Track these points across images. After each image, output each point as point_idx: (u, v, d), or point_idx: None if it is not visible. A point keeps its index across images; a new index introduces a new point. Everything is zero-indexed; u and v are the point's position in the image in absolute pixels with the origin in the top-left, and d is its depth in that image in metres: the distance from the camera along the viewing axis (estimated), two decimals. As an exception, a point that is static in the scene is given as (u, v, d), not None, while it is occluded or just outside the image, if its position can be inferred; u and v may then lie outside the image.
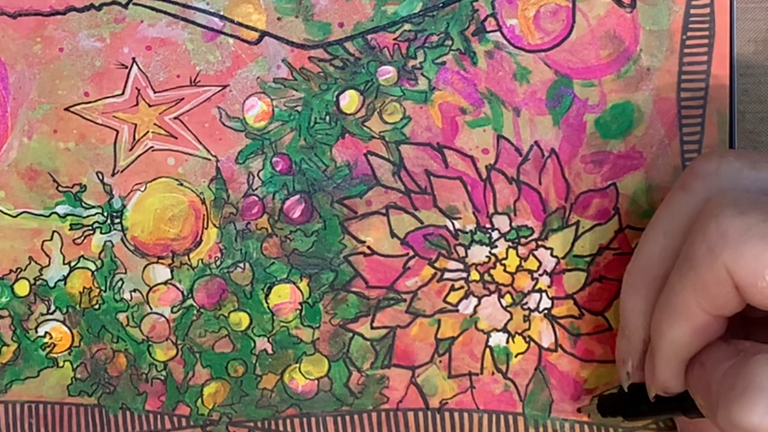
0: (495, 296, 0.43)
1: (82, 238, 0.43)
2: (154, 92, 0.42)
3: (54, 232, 0.43)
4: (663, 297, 0.35)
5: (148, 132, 0.43)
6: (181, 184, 0.43)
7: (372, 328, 0.43)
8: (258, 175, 0.42)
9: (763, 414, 0.31)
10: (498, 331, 0.43)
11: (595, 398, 0.43)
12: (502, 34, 0.42)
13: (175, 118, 0.42)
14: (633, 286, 0.38)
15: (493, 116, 0.42)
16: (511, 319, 0.43)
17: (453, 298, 0.43)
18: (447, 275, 0.43)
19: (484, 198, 0.42)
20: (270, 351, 0.43)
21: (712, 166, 0.36)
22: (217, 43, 0.42)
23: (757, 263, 0.32)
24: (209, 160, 0.43)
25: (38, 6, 0.42)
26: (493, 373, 0.43)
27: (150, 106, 0.42)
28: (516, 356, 0.43)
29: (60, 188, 0.43)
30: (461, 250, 0.42)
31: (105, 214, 0.43)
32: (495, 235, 0.42)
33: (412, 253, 0.43)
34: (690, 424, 0.39)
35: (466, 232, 0.42)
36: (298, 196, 0.43)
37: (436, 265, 0.43)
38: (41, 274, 0.43)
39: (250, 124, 0.42)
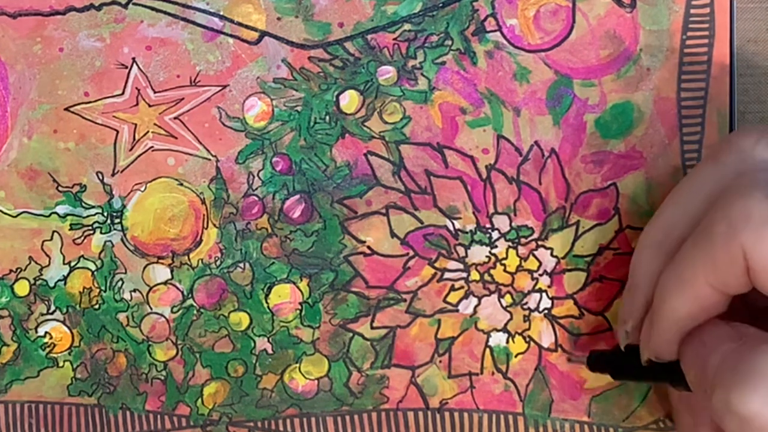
0: (495, 296, 0.43)
1: (82, 238, 0.43)
2: (154, 92, 0.42)
3: (54, 232, 0.43)
4: (673, 263, 0.35)
5: (148, 132, 0.43)
6: (181, 184, 0.43)
7: (372, 328, 0.43)
8: (258, 175, 0.42)
9: (762, 404, 0.31)
10: (498, 331, 0.43)
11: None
12: (502, 34, 0.42)
13: (175, 118, 0.42)
14: (647, 246, 0.37)
15: (493, 116, 0.42)
16: (511, 319, 0.43)
17: (453, 298, 0.43)
18: (447, 275, 0.43)
19: (484, 198, 0.42)
20: (270, 351, 0.43)
21: (750, 143, 0.35)
22: (217, 43, 0.42)
23: None
24: (209, 160, 0.43)
25: (38, 6, 0.42)
26: (493, 373, 0.43)
27: (150, 106, 0.42)
28: (516, 356, 0.43)
29: (60, 188, 0.43)
30: (461, 250, 0.42)
31: (105, 214, 0.43)
32: (495, 235, 0.42)
33: (412, 253, 0.43)
34: (686, 397, 0.39)
35: (466, 232, 0.42)
36: (298, 196, 0.43)
37: (436, 265, 0.43)
38: (41, 274, 0.43)
39: (250, 124, 0.42)
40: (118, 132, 0.43)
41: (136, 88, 0.42)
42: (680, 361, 0.35)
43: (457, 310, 0.43)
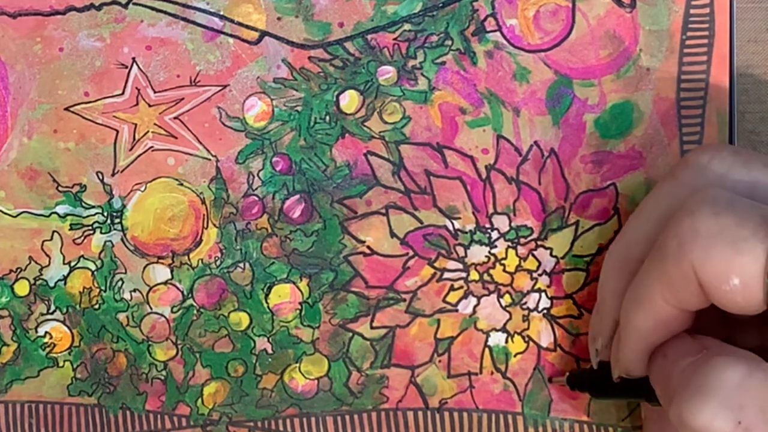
0: (494, 296, 0.43)
1: (82, 238, 0.43)
2: (154, 92, 0.42)
3: (54, 232, 0.43)
4: (634, 282, 0.35)
5: (148, 132, 0.43)
6: (181, 184, 0.43)
7: (372, 327, 0.43)
8: (258, 175, 0.42)
9: (712, 417, 0.31)
10: (497, 330, 0.43)
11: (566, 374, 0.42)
12: (502, 34, 0.42)
13: (175, 118, 0.42)
14: (611, 266, 0.38)
15: (492, 116, 0.42)
16: (510, 318, 0.43)
17: (452, 297, 0.43)
18: (446, 275, 0.43)
19: (483, 198, 0.42)
20: (270, 351, 0.43)
21: (705, 159, 0.36)
22: (217, 43, 0.42)
23: (723, 266, 0.31)
24: (209, 160, 0.43)
25: (38, 6, 0.42)
26: (492, 373, 0.43)
27: (150, 106, 0.42)
28: (515, 356, 0.43)
29: (60, 188, 0.43)
30: (461, 250, 0.42)
31: (105, 214, 0.43)
32: (494, 235, 0.42)
33: (411, 253, 0.43)
34: (654, 412, 0.39)
35: (466, 232, 0.42)
36: (298, 196, 0.43)
37: (436, 265, 0.43)
38: (41, 274, 0.43)
39: (250, 124, 0.42)
40: (118, 132, 0.43)
41: (136, 88, 0.42)
42: (650, 379, 0.36)
43: (457, 310, 0.43)
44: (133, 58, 0.42)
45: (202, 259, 0.43)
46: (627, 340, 0.36)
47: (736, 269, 0.31)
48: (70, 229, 0.43)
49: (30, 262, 0.43)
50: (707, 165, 0.36)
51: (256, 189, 0.43)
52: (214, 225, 0.43)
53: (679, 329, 0.35)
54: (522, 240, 0.42)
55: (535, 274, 0.42)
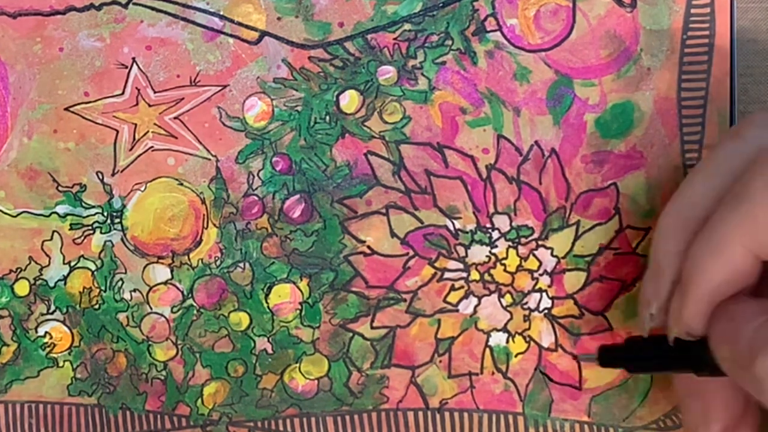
0: (495, 296, 0.43)
1: (82, 238, 0.43)
2: (154, 92, 0.42)
3: (54, 232, 0.43)
4: (705, 232, 0.35)
5: (148, 132, 0.43)
6: (181, 184, 0.43)
7: (372, 327, 0.43)
8: (258, 175, 0.42)
9: None
10: (498, 330, 0.43)
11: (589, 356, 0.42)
12: (503, 33, 0.42)
13: (175, 118, 0.42)
14: (669, 227, 0.37)
15: (493, 116, 0.42)
16: (511, 318, 0.43)
17: (453, 297, 0.43)
18: (447, 275, 0.43)
19: (484, 198, 0.42)
20: (270, 351, 0.43)
21: None
22: (217, 43, 0.42)
23: None
24: (209, 159, 0.43)
25: (38, 6, 0.42)
26: (493, 373, 0.43)
27: (150, 106, 0.42)
28: (516, 356, 0.43)
29: (60, 188, 0.43)
30: (461, 250, 0.42)
31: (105, 214, 0.43)
32: (495, 234, 0.42)
33: (412, 253, 0.43)
34: (697, 385, 0.39)
35: (466, 232, 0.42)
36: (298, 196, 0.43)
37: (436, 264, 0.43)
38: (41, 274, 0.43)
39: (250, 124, 0.42)
40: (118, 132, 0.43)
41: (136, 88, 0.42)
42: (710, 340, 0.35)
43: (457, 310, 0.43)
44: (133, 58, 0.42)
45: (202, 259, 0.43)
46: (693, 294, 0.35)
47: None
48: (70, 229, 0.43)
49: (30, 262, 0.43)
50: None
51: (256, 189, 0.43)
52: (214, 225, 0.43)
53: (747, 282, 0.35)
54: (523, 240, 0.42)
55: (536, 274, 0.42)
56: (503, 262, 0.42)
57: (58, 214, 0.43)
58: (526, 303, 0.43)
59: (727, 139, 0.37)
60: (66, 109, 0.43)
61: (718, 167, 0.36)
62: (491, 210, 0.42)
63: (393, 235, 0.42)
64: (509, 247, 0.42)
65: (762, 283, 0.35)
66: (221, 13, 0.42)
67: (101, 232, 0.43)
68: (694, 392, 0.39)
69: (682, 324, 0.36)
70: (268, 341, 0.43)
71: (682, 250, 0.36)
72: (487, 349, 0.43)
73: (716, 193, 0.36)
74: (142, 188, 0.43)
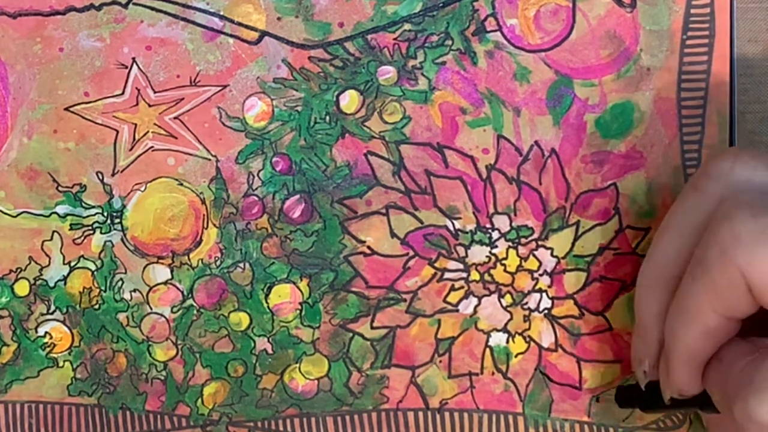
0: (495, 296, 0.43)
1: (82, 238, 0.43)
2: (154, 92, 0.42)
3: (54, 232, 0.43)
4: (676, 300, 0.35)
5: (148, 132, 0.43)
6: (181, 184, 0.43)
7: (372, 328, 0.43)
8: (258, 175, 0.42)
9: None
10: (498, 331, 0.43)
11: (606, 392, 0.42)
12: (503, 34, 0.42)
13: (175, 118, 0.42)
14: (647, 287, 0.38)
15: (493, 116, 0.42)
16: (511, 319, 0.43)
17: (453, 298, 0.43)
18: (447, 275, 0.43)
19: (484, 198, 0.42)
20: (270, 351, 0.43)
21: (726, 167, 0.36)
22: (217, 43, 0.42)
23: None
24: (209, 160, 0.43)
25: (38, 6, 0.42)
26: (493, 373, 0.43)
27: (150, 106, 0.42)
28: (516, 356, 0.43)
29: (60, 188, 0.43)
30: (461, 250, 0.42)
31: (105, 214, 0.43)
32: (495, 235, 0.42)
33: (412, 253, 0.43)
34: (716, 417, 0.39)
35: (466, 232, 0.42)
36: (298, 196, 0.43)
37: (436, 265, 0.43)
38: (41, 274, 0.43)
39: (250, 124, 0.42)
40: (118, 132, 0.43)
41: (136, 88, 0.42)
42: (705, 385, 0.35)
43: (457, 310, 0.43)
44: (133, 58, 0.42)
45: (202, 259, 0.43)
46: (677, 359, 0.35)
47: None
48: (70, 229, 0.43)
49: (30, 262, 0.43)
50: (730, 172, 0.35)
51: (256, 189, 0.43)
52: (214, 225, 0.43)
53: (727, 338, 0.35)
54: (523, 240, 0.42)
55: (535, 274, 0.42)
56: (503, 262, 0.42)
57: (58, 214, 0.43)
58: (526, 303, 0.43)
59: (688, 194, 0.37)
60: (66, 109, 0.43)
61: (683, 224, 0.36)
62: (491, 210, 0.42)
63: (393, 235, 0.42)
64: (509, 247, 0.42)
65: (756, 319, 0.35)
66: (221, 13, 0.42)
67: (101, 232, 0.43)
68: (717, 426, 0.40)
69: (673, 388, 0.37)
70: (268, 341, 0.43)
71: (661, 309, 0.37)
72: (487, 350, 0.43)
73: (685, 252, 0.36)
74: (142, 188, 0.43)
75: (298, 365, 0.43)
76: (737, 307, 0.33)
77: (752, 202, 0.33)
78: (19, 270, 0.43)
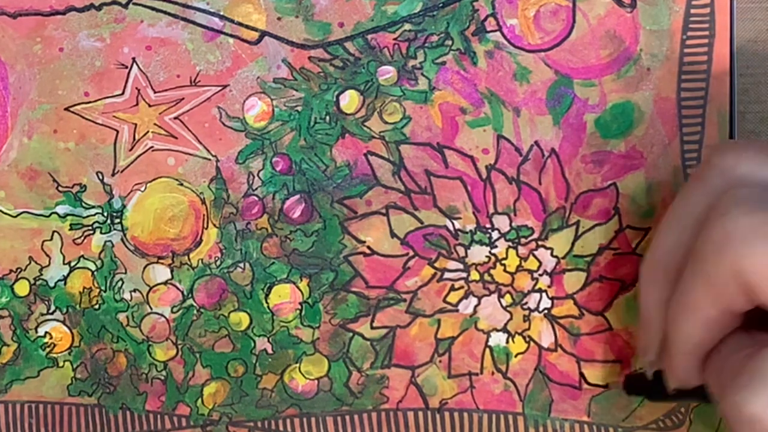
0: (495, 296, 0.43)
1: (82, 238, 0.43)
2: (154, 92, 0.42)
3: (54, 232, 0.43)
4: (676, 293, 0.35)
5: (148, 132, 0.43)
6: (181, 184, 0.43)
7: (372, 328, 0.43)
8: (258, 175, 0.42)
9: (765, 406, 0.31)
10: (498, 331, 0.43)
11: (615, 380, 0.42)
12: (502, 33, 0.42)
13: (175, 118, 0.42)
14: (649, 279, 0.37)
15: (493, 116, 0.42)
16: (511, 319, 0.43)
17: (453, 298, 0.43)
18: (447, 275, 0.43)
19: (484, 198, 0.42)
20: (270, 351, 0.43)
21: (731, 160, 0.35)
22: (217, 43, 0.42)
23: (763, 265, 0.31)
24: (209, 160, 0.43)
25: (38, 6, 0.42)
26: (492, 373, 0.43)
27: (150, 106, 0.43)
28: (516, 356, 0.43)
29: (60, 188, 0.43)
30: (461, 250, 0.42)
31: (105, 214, 0.43)
32: (495, 235, 0.42)
33: (412, 253, 0.43)
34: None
35: (466, 232, 0.42)
36: (298, 196, 0.43)
37: (436, 265, 0.43)
38: (41, 274, 0.43)
39: (250, 124, 0.42)
40: (118, 132, 0.43)
41: (136, 88, 0.42)
42: (704, 377, 0.35)
43: (457, 310, 0.43)
44: (133, 58, 0.42)
45: (202, 259, 0.43)
46: (678, 352, 0.35)
47: None
48: (70, 229, 0.43)
49: (30, 262, 0.43)
50: (735, 165, 0.35)
51: (256, 189, 0.43)
52: (214, 225, 0.43)
53: (728, 331, 0.34)
54: (522, 240, 0.42)
55: (535, 274, 0.42)
56: (503, 262, 0.42)
57: (58, 214, 0.43)
58: (526, 303, 0.43)
59: (691, 185, 0.36)
60: (66, 109, 0.43)
61: (685, 216, 0.36)
62: (491, 210, 0.42)
63: (393, 235, 0.42)
64: (509, 247, 0.42)
65: (762, 312, 0.35)
66: (221, 13, 0.42)
67: (101, 233, 0.43)
68: None
69: (676, 379, 0.37)
70: (268, 341, 0.43)
71: (664, 300, 0.36)
72: (487, 349, 0.43)
73: (687, 243, 0.36)
74: (142, 188, 0.43)
75: (298, 365, 0.43)
76: (734, 302, 0.33)
77: (747, 199, 0.33)
78: (19, 270, 0.43)
